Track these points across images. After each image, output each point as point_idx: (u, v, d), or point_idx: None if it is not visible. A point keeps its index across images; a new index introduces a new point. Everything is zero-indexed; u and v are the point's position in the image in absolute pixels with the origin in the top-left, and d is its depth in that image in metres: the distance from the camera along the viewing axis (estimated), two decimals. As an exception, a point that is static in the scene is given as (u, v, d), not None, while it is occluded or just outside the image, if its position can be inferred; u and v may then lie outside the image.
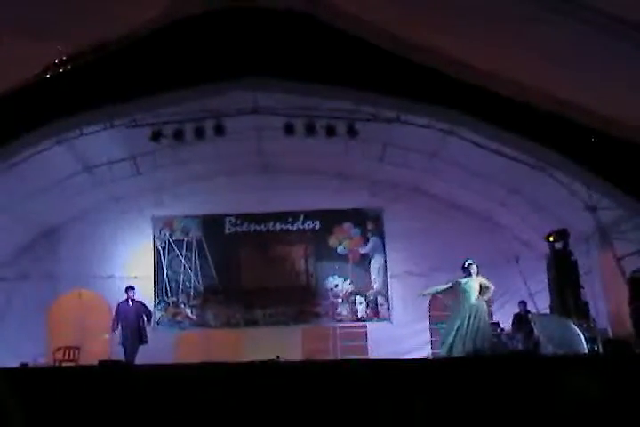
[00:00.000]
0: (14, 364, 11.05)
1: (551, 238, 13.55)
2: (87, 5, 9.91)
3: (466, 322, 11.68)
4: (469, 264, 12.06)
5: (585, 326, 12.06)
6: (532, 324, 12.20)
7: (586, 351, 10.98)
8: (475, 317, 11.70)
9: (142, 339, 14.09)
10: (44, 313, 15.85)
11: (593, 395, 5.75)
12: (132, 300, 14.32)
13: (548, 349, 11.34)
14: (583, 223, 13.22)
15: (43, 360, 13.77)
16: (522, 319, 13.99)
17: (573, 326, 11.55)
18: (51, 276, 15.97)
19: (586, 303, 13.02)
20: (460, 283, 12.02)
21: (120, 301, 14.29)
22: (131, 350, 13.79)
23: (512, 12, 8.83)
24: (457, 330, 11.69)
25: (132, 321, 14.06)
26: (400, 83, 11.58)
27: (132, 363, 12.95)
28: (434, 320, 16.42)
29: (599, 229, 13.14)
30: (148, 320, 14.53)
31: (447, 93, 11.38)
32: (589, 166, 11.63)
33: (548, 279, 13.89)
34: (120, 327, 14.02)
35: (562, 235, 13.45)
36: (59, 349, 14.18)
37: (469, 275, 12.02)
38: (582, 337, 11.25)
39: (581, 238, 13.69)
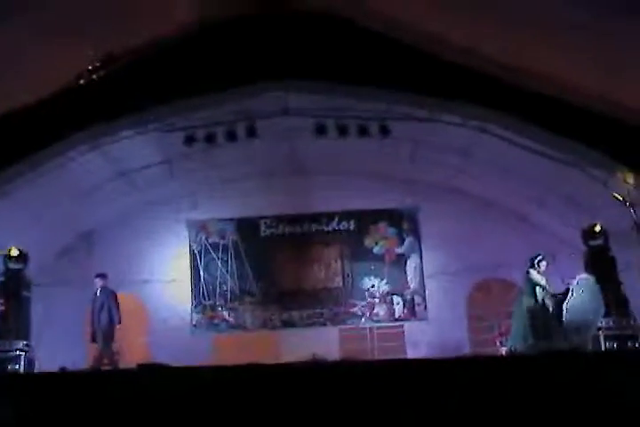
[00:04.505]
0: (54, 368, 11.15)
1: (589, 235, 13.41)
2: (120, 11, 10.03)
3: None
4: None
5: (624, 322, 11.98)
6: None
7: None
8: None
9: (107, 337, 13.42)
10: (83, 317, 15.94)
11: (634, 392, 5.69)
12: (102, 289, 13.78)
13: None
14: (621, 219, 13.04)
15: (82, 364, 13.84)
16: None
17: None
18: (88, 280, 16.06)
19: (625, 300, 12.86)
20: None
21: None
22: (102, 349, 13.27)
23: (540, 9, 8.79)
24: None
25: (97, 315, 13.48)
26: (431, 82, 11.55)
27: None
28: (471, 319, 16.34)
29: (636, 225, 12.96)
30: (111, 320, 13.50)
31: (478, 90, 11.33)
32: (624, 161, 11.51)
33: (587, 276, 13.72)
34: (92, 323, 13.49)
35: (600, 231, 13.30)
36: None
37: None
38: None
39: (620, 234, 13.50)
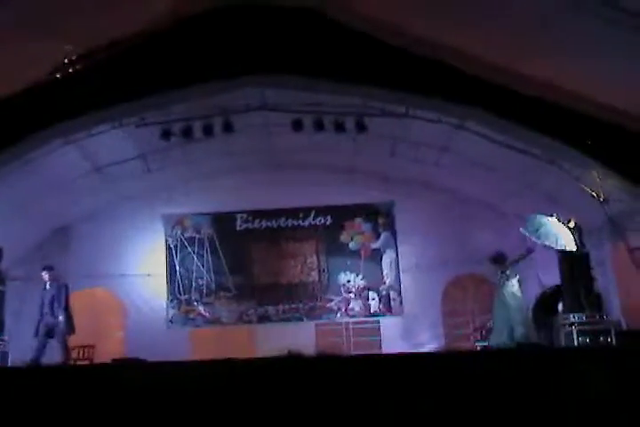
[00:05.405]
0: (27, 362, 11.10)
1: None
2: (95, 5, 9.94)
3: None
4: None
5: (597, 318, 12.07)
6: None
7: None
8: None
9: (50, 332, 12.60)
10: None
11: (606, 388, 5.74)
12: (51, 282, 12.94)
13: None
14: (596, 215, 13.15)
15: (57, 359, 13.76)
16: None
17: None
18: (63, 275, 15.97)
19: (598, 295, 12.95)
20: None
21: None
22: (38, 345, 12.50)
23: (519, 7, 8.83)
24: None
25: (48, 308, 12.67)
26: (407, 77, 11.57)
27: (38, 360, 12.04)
28: (446, 314, 16.42)
29: (610, 221, 13.07)
30: (52, 306, 12.63)
31: (455, 87, 11.36)
32: (599, 158, 11.60)
33: (561, 271, 13.81)
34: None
35: (574, 227, 13.39)
36: (73, 348, 14.13)
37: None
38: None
39: (594, 230, 13.61)
